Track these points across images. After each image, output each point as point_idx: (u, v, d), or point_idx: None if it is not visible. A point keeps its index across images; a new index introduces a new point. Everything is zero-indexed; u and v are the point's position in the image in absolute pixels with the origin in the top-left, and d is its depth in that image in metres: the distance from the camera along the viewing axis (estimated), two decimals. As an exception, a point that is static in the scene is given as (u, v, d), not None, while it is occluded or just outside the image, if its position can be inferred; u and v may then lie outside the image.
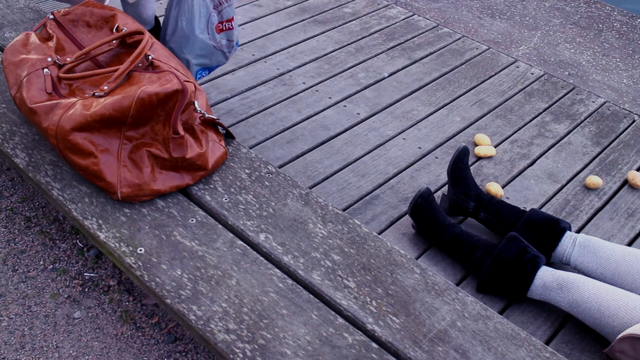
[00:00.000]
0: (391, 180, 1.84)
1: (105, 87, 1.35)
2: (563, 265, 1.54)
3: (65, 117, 1.30)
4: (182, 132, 1.34)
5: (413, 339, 1.14)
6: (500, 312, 1.46)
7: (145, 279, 1.21)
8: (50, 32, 1.48)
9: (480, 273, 1.48)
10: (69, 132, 1.29)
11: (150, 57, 1.40)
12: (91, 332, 1.51)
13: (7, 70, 1.45)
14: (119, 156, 1.33)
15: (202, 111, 1.41)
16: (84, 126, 1.29)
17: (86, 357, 1.45)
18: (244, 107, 2.08)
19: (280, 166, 1.85)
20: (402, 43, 2.52)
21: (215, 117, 1.45)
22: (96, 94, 1.34)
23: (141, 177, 1.34)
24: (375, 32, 2.58)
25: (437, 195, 1.78)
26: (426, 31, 2.62)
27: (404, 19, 2.70)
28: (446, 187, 1.82)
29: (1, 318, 1.52)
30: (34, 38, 1.48)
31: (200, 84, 2.16)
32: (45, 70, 1.39)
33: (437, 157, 1.94)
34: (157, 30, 1.98)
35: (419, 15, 2.74)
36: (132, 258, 1.25)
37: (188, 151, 1.36)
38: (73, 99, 1.34)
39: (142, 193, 1.35)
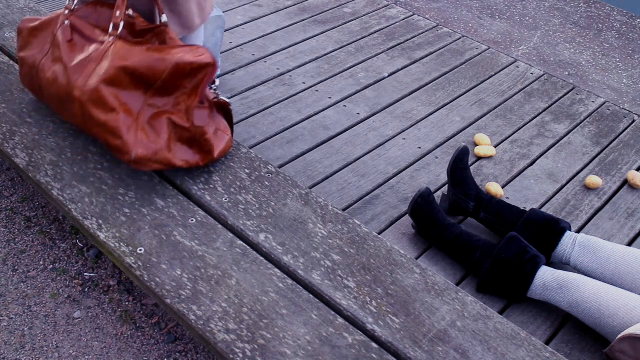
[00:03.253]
0: (391, 180, 1.84)
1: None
2: (563, 265, 1.54)
3: (97, 70, 1.32)
4: (206, 103, 1.37)
5: (413, 339, 1.14)
6: (500, 312, 1.46)
7: (145, 279, 1.21)
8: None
9: (480, 273, 1.48)
10: (98, 84, 1.30)
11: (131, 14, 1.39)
12: (91, 332, 1.51)
13: (26, 34, 1.48)
14: (139, 118, 1.34)
15: (217, 91, 1.44)
16: (113, 80, 1.30)
17: (86, 357, 1.45)
18: (244, 107, 2.08)
19: (280, 166, 1.85)
20: (402, 43, 2.52)
21: (227, 100, 1.48)
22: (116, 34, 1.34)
23: (158, 142, 1.35)
24: (375, 32, 2.58)
25: (437, 195, 1.78)
26: (426, 31, 2.62)
27: (404, 19, 2.70)
28: (446, 187, 1.82)
29: (1, 318, 1.52)
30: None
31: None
32: (66, 22, 1.42)
33: (437, 157, 1.94)
34: None
35: (419, 15, 2.74)
36: (132, 258, 1.25)
37: (209, 122, 1.38)
38: (102, 46, 1.35)
39: (155, 159, 1.35)
